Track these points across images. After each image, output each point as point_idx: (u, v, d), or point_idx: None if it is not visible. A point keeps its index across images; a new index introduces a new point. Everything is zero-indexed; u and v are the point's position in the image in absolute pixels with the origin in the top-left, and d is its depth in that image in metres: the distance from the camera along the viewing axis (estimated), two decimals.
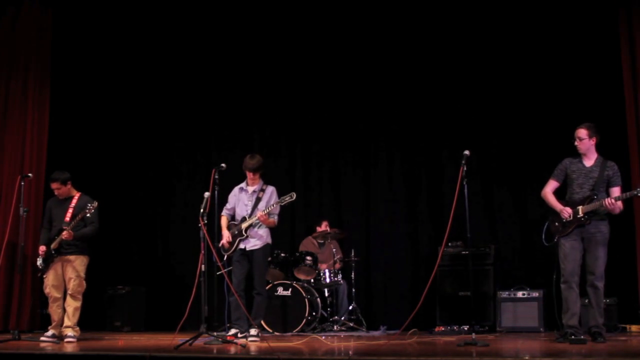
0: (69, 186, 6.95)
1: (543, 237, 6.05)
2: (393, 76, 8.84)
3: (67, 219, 6.75)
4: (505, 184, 8.31)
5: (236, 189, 6.91)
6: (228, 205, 6.90)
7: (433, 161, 8.62)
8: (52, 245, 6.71)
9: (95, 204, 6.65)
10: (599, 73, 7.81)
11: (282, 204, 6.65)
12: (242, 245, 6.70)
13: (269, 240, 6.81)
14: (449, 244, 7.79)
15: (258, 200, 6.78)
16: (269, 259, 7.95)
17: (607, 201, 5.67)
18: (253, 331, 6.44)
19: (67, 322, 6.65)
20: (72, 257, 6.72)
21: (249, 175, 6.78)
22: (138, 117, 9.47)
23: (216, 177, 6.36)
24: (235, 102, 9.33)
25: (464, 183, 5.74)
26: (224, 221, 6.85)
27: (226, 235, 6.74)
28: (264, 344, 5.51)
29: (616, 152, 7.26)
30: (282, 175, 9.05)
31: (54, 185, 6.92)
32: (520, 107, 8.26)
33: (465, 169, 5.74)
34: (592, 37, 7.86)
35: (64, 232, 6.60)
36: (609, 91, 7.61)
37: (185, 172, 9.42)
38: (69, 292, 6.70)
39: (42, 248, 6.78)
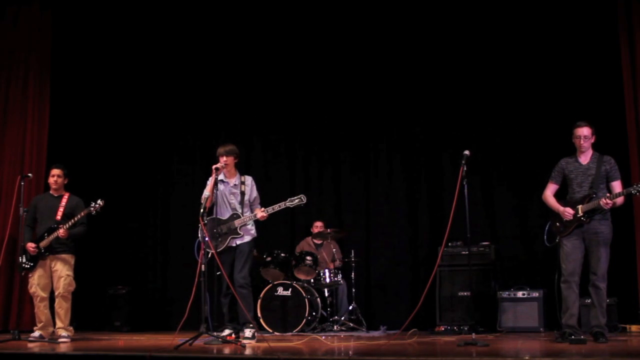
0: (66, 181, 6.92)
1: (545, 238, 6.06)
2: (393, 77, 8.84)
3: (59, 217, 6.71)
4: (505, 184, 8.31)
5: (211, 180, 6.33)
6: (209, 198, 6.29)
7: (433, 161, 8.62)
8: (42, 244, 6.62)
9: (102, 202, 6.59)
10: (599, 73, 7.80)
11: (291, 206, 6.53)
12: (232, 244, 6.58)
13: (256, 234, 6.76)
14: (449, 244, 7.77)
15: (242, 194, 6.62)
16: (269, 258, 7.98)
17: (603, 201, 5.67)
18: (248, 332, 6.28)
19: (59, 324, 6.60)
20: (64, 256, 6.68)
21: (222, 159, 6.51)
22: (138, 118, 9.47)
23: (217, 177, 6.34)
24: (235, 104, 9.33)
25: (464, 183, 5.74)
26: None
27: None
28: (264, 344, 5.50)
29: (616, 152, 7.27)
30: (282, 176, 9.07)
31: (55, 172, 6.84)
32: (520, 107, 8.25)
33: (465, 169, 5.75)
34: (591, 36, 7.85)
35: (60, 230, 6.52)
36: (609, 91, 7.60)
37: (186, 173, 9.42)
38: (61, 291, 6.58)
39: (32, 245, 6.64)
